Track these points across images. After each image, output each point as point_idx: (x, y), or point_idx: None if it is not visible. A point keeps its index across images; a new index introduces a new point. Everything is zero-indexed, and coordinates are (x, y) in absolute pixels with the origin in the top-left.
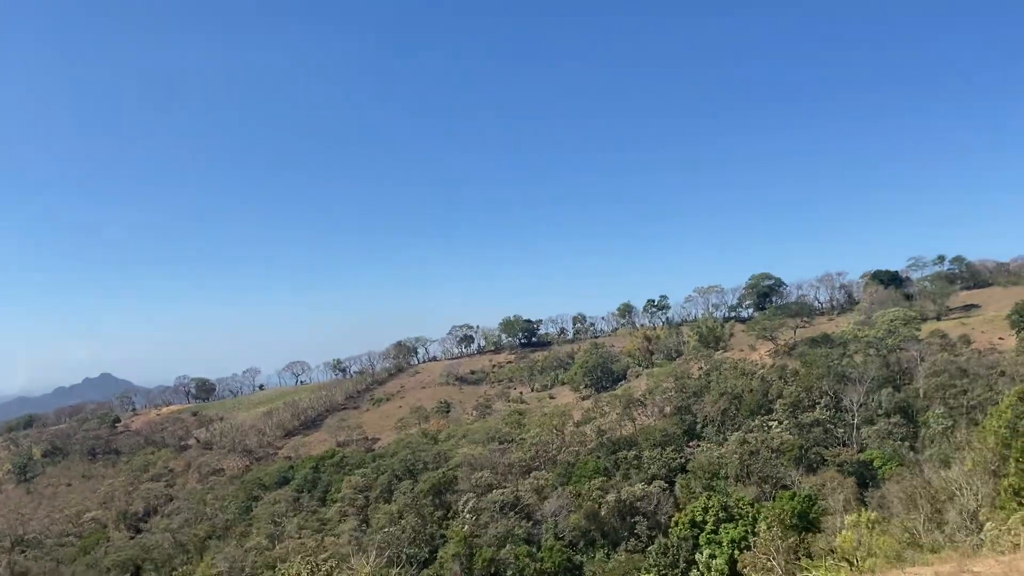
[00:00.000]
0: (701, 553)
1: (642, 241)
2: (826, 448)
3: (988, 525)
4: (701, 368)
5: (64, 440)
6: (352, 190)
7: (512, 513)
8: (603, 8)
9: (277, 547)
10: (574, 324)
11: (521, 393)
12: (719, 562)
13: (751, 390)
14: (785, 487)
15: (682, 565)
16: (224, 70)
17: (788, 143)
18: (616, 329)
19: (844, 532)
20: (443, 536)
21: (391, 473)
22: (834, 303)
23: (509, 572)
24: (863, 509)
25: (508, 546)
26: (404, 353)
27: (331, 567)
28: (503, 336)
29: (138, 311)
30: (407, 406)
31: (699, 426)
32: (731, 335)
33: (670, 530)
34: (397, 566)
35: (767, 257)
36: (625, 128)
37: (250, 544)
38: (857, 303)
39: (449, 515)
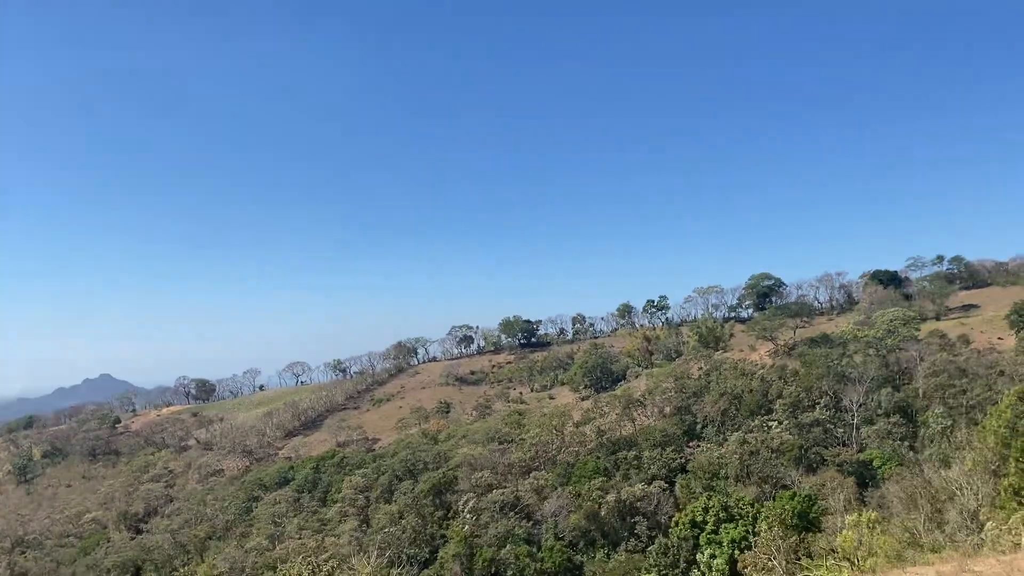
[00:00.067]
0: (702, 553)
1: (642, 241)
2: (826, 448)
3: (989, 525)
4: (701, 368)
5: (64, 441)
6: (353, 190)
7: (512, 513)
8: (603, 8)
9: (277, 548)
10: (573, 324)
11: (521, 393)
12: (720, 562)
13: (751, 390)
14: (785, 487)
15: (682, 565)
16: (224, 69)
17: (788, 143)
18: (616, 329)
19: (845, 532)
20: (443, 536)
21: (391, 473)
22: (834, 303)
23: (509, 572)
24: (863, 509)
25: (508, 546)
26: (404, 354)
27: (332, 567)
28: (503, 336)
29: (138, 312)
30: (407, 406)
31: (699, 426)
32: (731, 335)
33: (670, 530)
34: (398, 566)
35: (767, 257)
36: (625, 128)
37: (250, 545)
38: (856, 303)
39: (449, 515)
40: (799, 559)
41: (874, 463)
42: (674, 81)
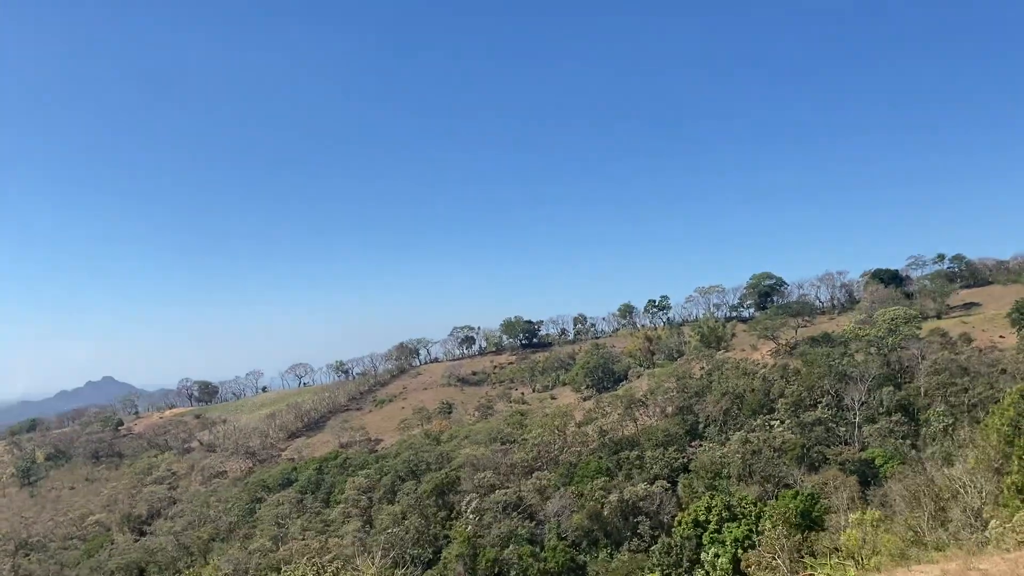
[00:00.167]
0: (707, 552)
1: (643, 241)
2: (828, 447)
3: (993, 523)
4: (703, 368)
5: (67, 443)
6: (353, 190)
7: (515, 513)
8: (604, 9)
9: (281, 549)
10: (575, 325)
11: (523, 394)
12: (724, 561)
13: (753, 390)
14: (787, 486)
15: (686, 564)
16: (225, 70)
17: (788, 143)
18: (617, 330)
19: (849, 530)
20: (447, 537)
21: (394, 474)
22: (835, 302)
23: (513, 572)
24: (866, 507)
25: (511, 546)
26: (406, 354)
27: (337, 568)
28: (504, 337)
29: (140, 314)
30: (409, 407)
31: (701, 426)
32: (732, 335)
33: (673, 530)
34: (401, 567)
35: (768, 257)
36: (626, 128)
37: (254, 546)
38: (858, 302)
39: (452, 516)
40: (803, 558)
41: (876, 462)
42: (674, 81)
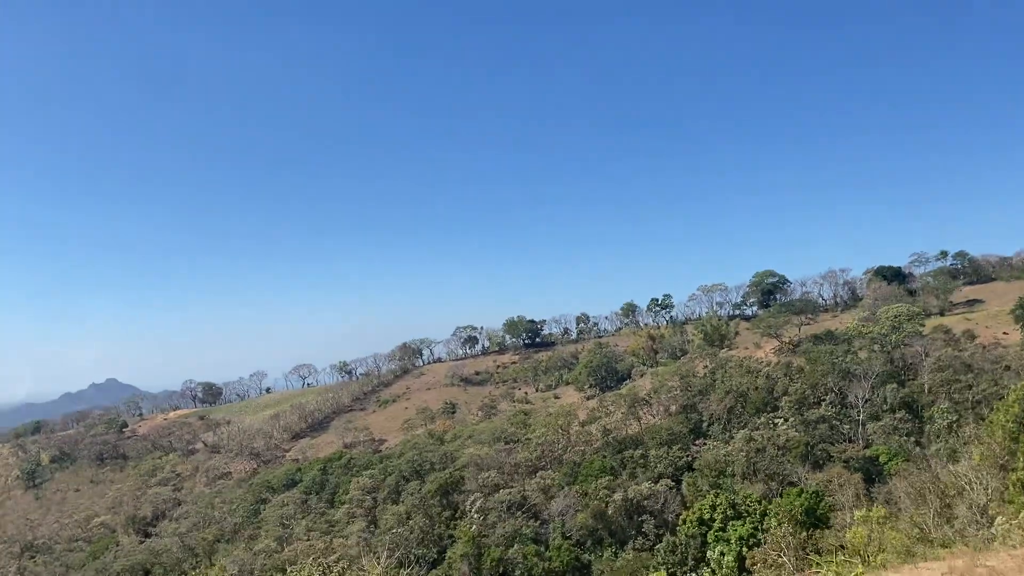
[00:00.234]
0: (712, 550)
1: (645, 240)
2: (832, 444)
3: (999, 519)
4: (706, 366)
5: (72, 446)
6: (354, 190)
7: (519, 513)
8: (604, 9)
9: (286, 550)
10: (578, 324)
11: (526, 393)
12: (729, 559)
13: (756, 388)
14: (792, 484)
15: (691, 563)
16: (225, 70)
17: (790, 142)
18: (620, 328)
19: (855, 527)
20: (451, 536)
21: (398, 474)
22: (838, 300)
23: (518, 571)
24: (871, 505)
25: (516, 545)
26: (409, 355)
27: (343, 568)
28: (507, 337)
29: (143, 316)
30: (413, 407)
31: (705, 424)
32: (736, 333)
33: (678, 528)
34: (407, 567)
35: (771, 255)
36: (627, 128)
37: (259, 547)
38: (861, 299)
39: (457, 515)
40: (808, 555)
41: (880, 459)
42: (675, 81)
